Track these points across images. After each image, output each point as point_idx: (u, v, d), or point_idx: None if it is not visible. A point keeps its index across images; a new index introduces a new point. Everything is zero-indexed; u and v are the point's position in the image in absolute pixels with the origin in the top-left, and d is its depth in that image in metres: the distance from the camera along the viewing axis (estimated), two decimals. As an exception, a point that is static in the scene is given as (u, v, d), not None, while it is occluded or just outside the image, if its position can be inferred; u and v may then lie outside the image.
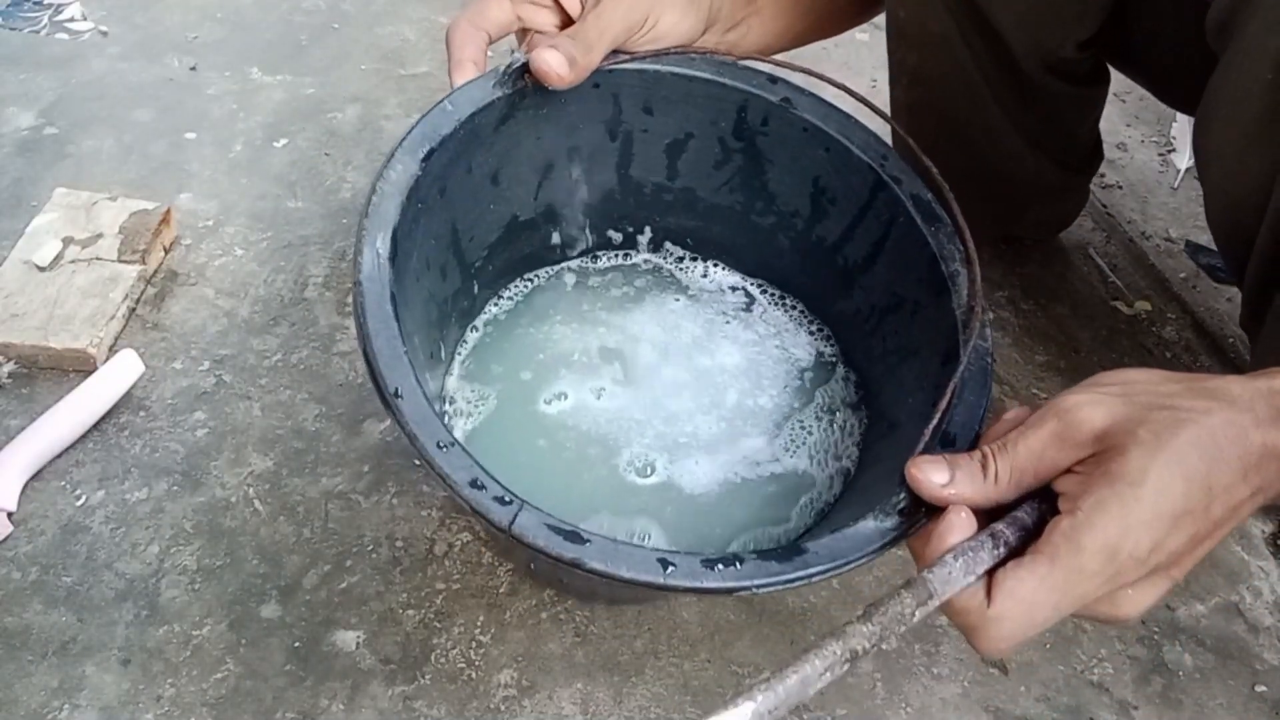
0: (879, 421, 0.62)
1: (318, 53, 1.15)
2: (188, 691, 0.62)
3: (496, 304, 0.68)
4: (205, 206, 0.94)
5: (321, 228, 0.93)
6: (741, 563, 0.42)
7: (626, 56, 0.60)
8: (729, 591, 0.42)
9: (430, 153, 0.53)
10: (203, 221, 0.93)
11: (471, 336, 0.66)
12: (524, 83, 0.57)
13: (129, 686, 0.62)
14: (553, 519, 0.42)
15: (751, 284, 0.71)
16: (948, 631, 0.68)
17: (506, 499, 0.42)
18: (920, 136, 0.58)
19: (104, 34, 1.15)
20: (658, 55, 0.61)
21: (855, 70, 1.18)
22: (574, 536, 0.42)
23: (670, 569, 0.42)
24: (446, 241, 0.59)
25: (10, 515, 0.69)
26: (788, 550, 0.43)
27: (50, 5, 1.17)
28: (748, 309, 0.70)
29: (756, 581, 0.42)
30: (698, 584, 0.41)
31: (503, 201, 0.64)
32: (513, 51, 0.58)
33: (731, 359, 0.66)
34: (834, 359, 0.67)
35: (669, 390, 0.64)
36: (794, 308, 0.70)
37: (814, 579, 0.43)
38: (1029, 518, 0.41)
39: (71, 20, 1.16)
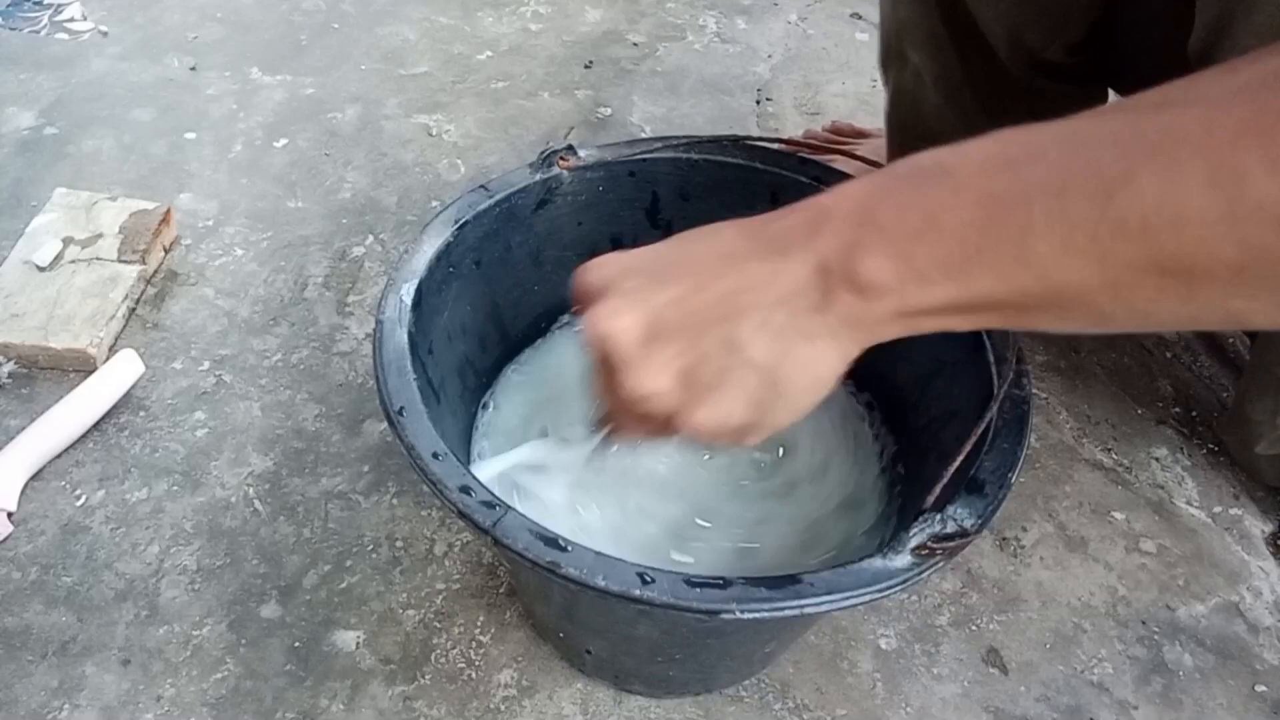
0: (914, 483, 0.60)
1: (318, 53, 1.15)
2: (188, 691, 0.62)
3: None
4: (205, 206, 0.94)
5: (321, 228, 0.93)
6: (727, 585, 0.40)
7: (660, 144, 0.62)
8: (710, 613, 0.40)
9: (464, 224, 0.57)
10: (203, 221, 0.93)
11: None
12: (559, 169, 0.60)
13: (129, 686, 0.62)
14: (536, 525, 0.42)
15: None
16: (947, 631, 0.68)
17: (493, 505, 0.43)
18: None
19: (104, 34, 1.15)
20: (690, 144, 0.62)
21: (855, 70, 1.18)
22: (554, 543, 0.42)
23: (650, 584, 0.40)
24: (486, 313, 0.63)
25: (10, 515, 0.69)
26: (781, 579, 0.41)
27: (50, 5, 1.17)
28: None
29: (741, 606, 0.40)
30: (678, 601, 0.40)
31: (548, 284, 0.66)
32: (548, 141, 0.59)
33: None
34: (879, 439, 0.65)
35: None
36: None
37: (806, 611, 0.40)
38: None
39: (71, 20, 1.16)
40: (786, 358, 0.38)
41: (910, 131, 0.84)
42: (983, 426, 0.47)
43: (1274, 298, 0.29)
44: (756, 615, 0.40)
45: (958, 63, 0.76)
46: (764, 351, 0.38)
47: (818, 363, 0.38)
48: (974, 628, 0.68)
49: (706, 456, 0.62)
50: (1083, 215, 0.30)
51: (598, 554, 0.41)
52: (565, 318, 0.69)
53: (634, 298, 0.41)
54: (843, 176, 0.61)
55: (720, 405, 0.40)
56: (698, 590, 0.40)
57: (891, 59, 0.84)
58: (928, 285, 0.34)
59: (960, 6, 0.72)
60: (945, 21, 0.74)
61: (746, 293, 0.38)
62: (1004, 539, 0.73)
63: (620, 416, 0.44)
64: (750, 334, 0.38)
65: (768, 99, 1.14)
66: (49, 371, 0.79)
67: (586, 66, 1.16)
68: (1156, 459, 0.79)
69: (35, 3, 1.17)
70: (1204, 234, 0.28)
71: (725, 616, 0.40)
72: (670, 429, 0.42)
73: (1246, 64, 0.30)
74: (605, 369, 0.42)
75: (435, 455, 0.45)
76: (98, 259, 0.84)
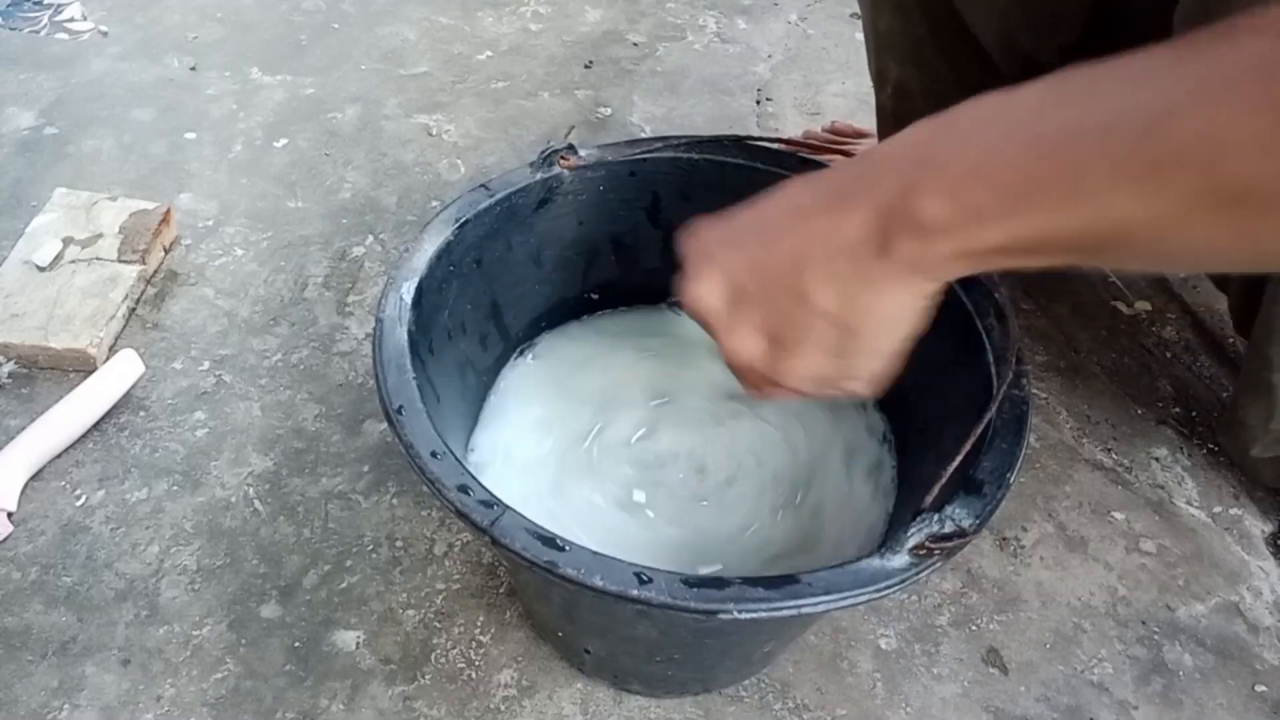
0: (911, 484, 0.60)
1: (318, 53, 1.15)
2: (188, 691, 0.62)
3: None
4: (205, 206, 0.94)
5: (321, 228, 0.93)
6: (725, 585, 0.40)
7: (660, 144, 0.62)
8: (707, 613, 0.40)
9: (465, 222, 0.57)
10: (203, 221, 0.93)
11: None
12: (560, 168, 0.60)
13: (129, 686, 0.62)
14: (534, 525, 0.42)
15: None
16: (947, 631, 0.68)
17: (491, 504, 0.43)
18: None
19: (104, 34, 1.15)
20: (690, 144, 0.62)
21: (855, 70, 1.18)
22: (551, 543, 0.42)
23: (647, 584, 0.40)
24: (486, 312, 0.63)
25: (10, 515, 0.69)
26: (779, 579, 0.41)
27: (50, 5, 1.17)
28: None
29: (738, 606, 0.40)
30: (675, 601, 0.40)
31: (548, 283, 0.66)
32: (548, 141, 0.59)
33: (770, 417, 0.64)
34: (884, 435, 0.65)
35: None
36: None
37: (803, 610, 0.40)
38: None
39: (71, 20, 1.16)
40: (855, 305, 0.39)
41: None
42: (981, 427, 0.47)
43: None
44: (754, 615, 0.40)
45: (947, 70, 0.76)
46: (832, 301, 0.39)
47: (887, 306, 0.39)
48: (974, 628, 0.68)
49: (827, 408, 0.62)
50: (1132, 146, 0.30)
51: (595, 554, 0.41)
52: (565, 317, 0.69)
53: (717, 265, 0.43)
54: None
55: (805, 359, 0.42)
56: (695, 590, 0.40)
57: (874, 78, 0.84)
58: (985, 223, 0.34)
59: (949, 13, 0.72)
60: (932, 30, 0.74)
61: (811, 246, 0.39)
62: (1004, 539, 0.73)
63: (741, 378, 0.47)
64: (818, 286, 0.39)
65: (768, 99, 1.14)
66: (49, 371, 0.79)
67: (586, 66, 1.16)
68: (1156, 459, 0.79)
69: (35, 3, 1.17)
70: (1251, 160, 0.28)
71: (723, 616, 0.40)
72: (779, 385, 0.44)
73: None
74: (710, 337, 0.44)
75: (434, 454, 0.45)
76: (98, 259, 0.84)
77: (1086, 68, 0.33)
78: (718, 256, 0.43)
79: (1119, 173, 0.31)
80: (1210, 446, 0.80)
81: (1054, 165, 0.32)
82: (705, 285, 0.43)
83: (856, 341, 0.41)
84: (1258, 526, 0.76)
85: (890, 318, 0.40)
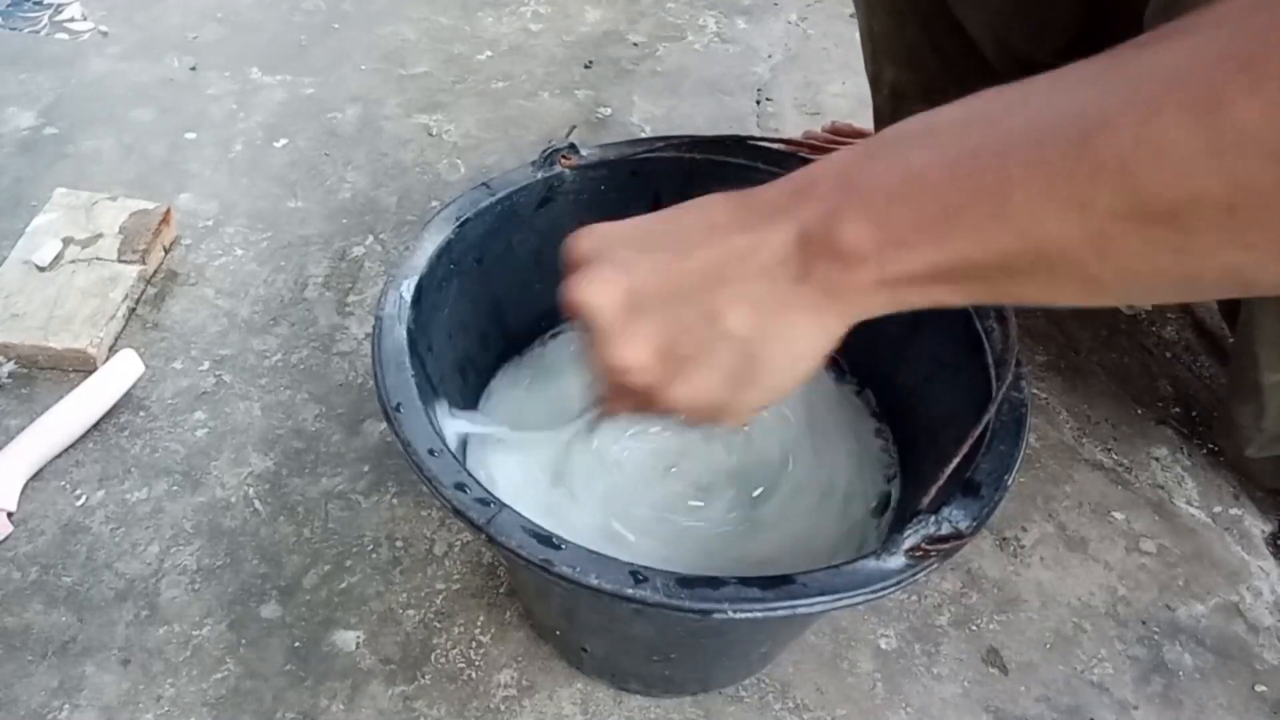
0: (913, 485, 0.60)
1: (318, 53, 1.15)
2: (188, 691, 0.62)
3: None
4: (205, 206, 0.94)
5: (321, 228, 0.93)
6: (720, 585, 0.40)
7: (662, 144, 0.62)
8: (702, 613, 0.40)
9: (465, 221, 0.58)
10: (203, 221, 0.93)
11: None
12: (561, 167, 0.60)
13: (129, 686, 0.62)
14: (531, 523, 0.42)
15: None
16: (947, 631, 0.68)
17: (488, 502, 0.43)
18: None
19: (104, 34, 1.15)
20: (692, 144, 0.62)
21: (855, 70, 1.18)
22: (547, 541, 0.42)
23: (642, 583, 0.40)
24: (487, 311, 0.63)
25: (10, 515, 0.69)
26: (774, 579, 0.41)
27: (50, 5, 1.17)
28: None
29: (734, 605, 0.40)
30: (670, 600, 0.40)
31: (549, 282, 0.65)
32: (549, 140, 0.59)
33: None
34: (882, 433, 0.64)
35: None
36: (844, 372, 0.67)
37: (798, 611, 0.40)
38: None
39: (71, 20, 1.16)
40: (765, 330, 0.37)
41: None
42: (979, 429, 0.47)
43: (1272, 246, 0.27)
44: (749, 615, 0.40)
45: (942, 73, 0.76)
46: (741, 323, 0.37)
47: (797, 337, 0.37)
48: (974, 628, 0.68)
49: (698, 437, 0.61)
50: (1059, 161, 0.29)
51: (591, 552, 0.42)
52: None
53: (617, 267, 0.40)
54: None
55: (697, 380, 0.39)
56: (690, 589, 0.40)
57: (871, 82, 0.84)
58: (906, 250, 0.33)
59: (943, 16, 0.72)
60: (926, 32, 0.74)
61: (728, 263, 0.37)
62: (1004, 539, 0.73)
63: (608, 390, 0.43)
64: (728, 305, 0.37)
65: (768, 99, 1.14)
66: (49, 371, 0.79)
67: (586, 66, 1.16)
68: (1156, 459, 0.79)
69: (35, 3, 1.17)
70: (1186, 170, 0.26)
71: (718, 616, 0.40)
72: (654, 404, 0.41)
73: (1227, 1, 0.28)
74: (590, 339, 0.40)
75: (432, 451, 0.45)
76: (98, 259, 0.84)
77: (1025, 80, 0.32)
78: (620, 259, 0.40)
79: (1045, 190, 0.29)
80: (1210, 446, 0.80)
81: (978, 186, 0.31)
82: (600, 286, 0.39)
83: (755, 369, 0.38)
84: (1258, 526, 0.76)
85: (797, 351, 0.38)
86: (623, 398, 0.43)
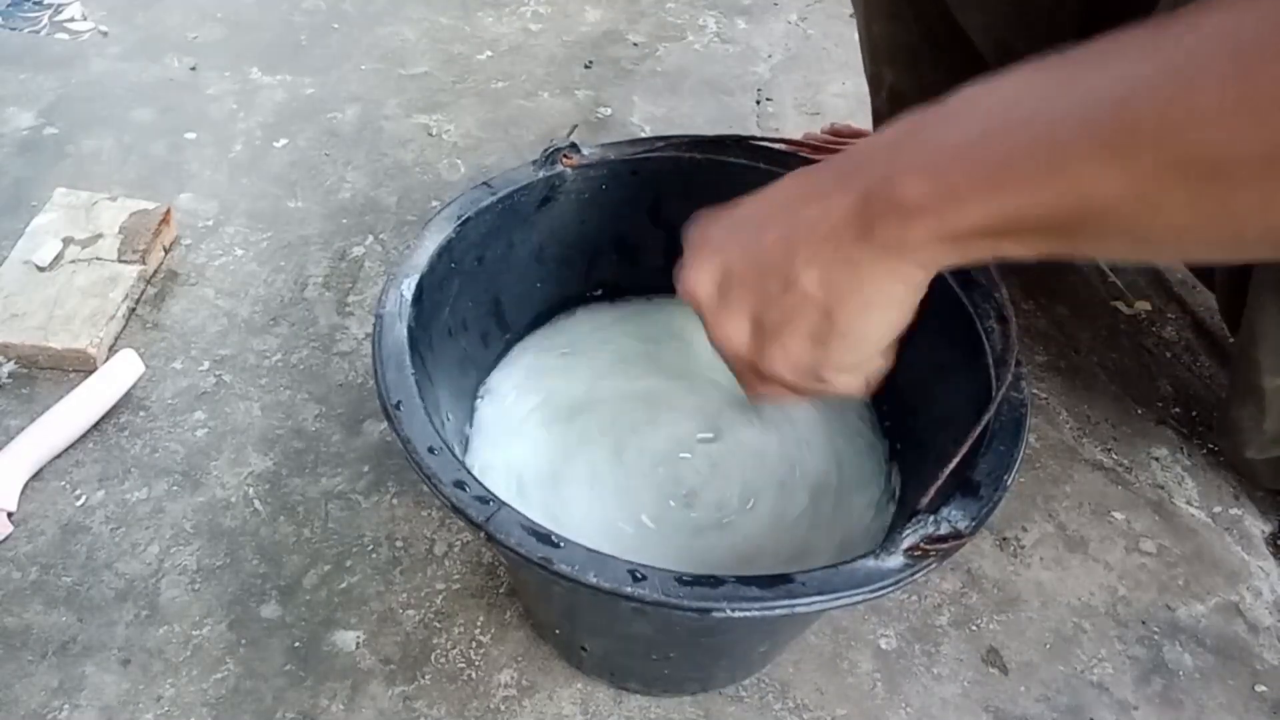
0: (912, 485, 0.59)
1: (318, 53, 1.15)
2: (188, 691, 0.62)
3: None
4: (205, 206, 0.94)
5: (321, 228, 0.93)
6: (719, 584, 0.40)
7: (662, 144, 0.62)
8: (701, 611, 0.40)
9: (466, 220, 0.58)
10: (203, 221, 0.93)
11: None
12: (563, 166, 0.60)
13: (129, 686, 0.62)
14: (530, 521, 0.42)
15: None
16: (948, 631, 0.68)
17: (487, 500, 0.43)
18: None
19: (104, 34, 1.15)
20: (693, 144, 0.62)
21: (855, 70, 1.18)
22: (546, 539, 0.42)
23: (641, 581, 0.40)
24: (488, 309, 0.63)
25: (10, 515, 0.69)
26: (773, 578, 0.41)
27: (50, 5, 1.17)
28: None
29: (732, 604, 0.40)
30: (669, 599, 0.40)
31: (550, 281, 0.66)
32: (550, 140, 0.60)
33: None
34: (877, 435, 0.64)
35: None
36: None
37: (796, 610, 0.40)
38: None
39: (71, 20, 1.16)
40: (836, 287, 0.40)
41: None
42: (979, 429, 0.47)
43: None
44: (748, 614, 0.40)
45: (941, 75, 0.76)
46: (814, 284, 0.40)
47: (867, 290, 0.39)
48: (974, 628, 0.68)
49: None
50: (1105, 120, 0.30)
51: (590, 550, 0.41)
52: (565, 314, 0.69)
53: (711, 252, 0.44)
54: None
55: (787, 344, 0.42)
56: (689, 588, 0.40)
57: (870, 83, 0.84)
58: (961, 203, 0.35)
59: (943, 18, 0.72)
60: (925, 35, 0.74)
61: (799, 233, 0.40)
62: (1004, 539, 0.73)
63: (738, 375, 0.47)
64: (801, 270, 0.40)
65: (768, 99, 1.14)
66: (49, 371, 0.79)
67: (586, 66, 1.16)
68: (1156, 459, 0.79)
69: (35, 3, 1.17)
70: (1225, 127, 0.28)
71: (717, 615, 0.40)
72: (765, 380, 0.45)
73: None
74: (702, 321, 0.45)
75: (431, 450, 0.45)
76: (98, 259, 0.84)
77: (1070, 51, 0.33)
78: (715, 244, 0.44)
79: (1094, 148, 0.31)
80: (1210, 446, 0.80)
81: (1031, 143, 0.33)
82: (699, 272, 0.44)
83: (836, 325, 0.41)
84: (1258, 526, 0.76)
85: (869, 302, 0.40)
86: (751, 381, 0.46)
